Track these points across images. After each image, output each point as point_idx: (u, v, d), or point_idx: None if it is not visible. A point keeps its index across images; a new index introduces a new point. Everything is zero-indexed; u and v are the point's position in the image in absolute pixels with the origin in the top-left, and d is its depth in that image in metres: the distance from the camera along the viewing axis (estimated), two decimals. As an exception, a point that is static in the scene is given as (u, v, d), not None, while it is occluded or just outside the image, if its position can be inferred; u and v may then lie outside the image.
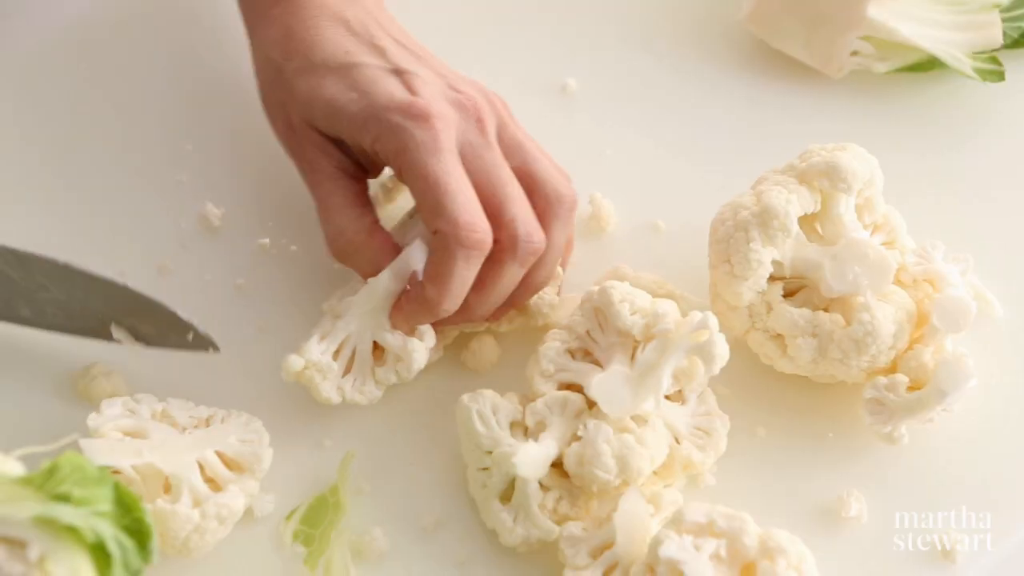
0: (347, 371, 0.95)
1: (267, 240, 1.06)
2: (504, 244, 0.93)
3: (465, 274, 0.91)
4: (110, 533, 0.73)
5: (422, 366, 0.95)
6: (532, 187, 0.95)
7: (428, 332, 0.95)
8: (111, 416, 0.91)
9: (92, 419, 0.91)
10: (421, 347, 0.94)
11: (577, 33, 1.15)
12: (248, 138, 1.10)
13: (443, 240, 0.91)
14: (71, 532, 0.72)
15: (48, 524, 0.72)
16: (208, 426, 0.94)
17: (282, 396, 0.98)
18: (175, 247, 1.06)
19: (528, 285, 0.97)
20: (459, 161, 0.93)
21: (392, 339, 0.94)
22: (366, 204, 0.97)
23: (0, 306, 0.97)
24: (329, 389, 0.94)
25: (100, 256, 1.03)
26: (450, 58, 1.02)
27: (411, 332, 0.95)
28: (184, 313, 0.97)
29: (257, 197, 1.08)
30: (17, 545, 0.71)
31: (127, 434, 0.90)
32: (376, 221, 0.97)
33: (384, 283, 0.94)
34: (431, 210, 0.91)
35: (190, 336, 0.97)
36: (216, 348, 0.98)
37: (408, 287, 0.94)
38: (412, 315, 0.94)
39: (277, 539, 0.93)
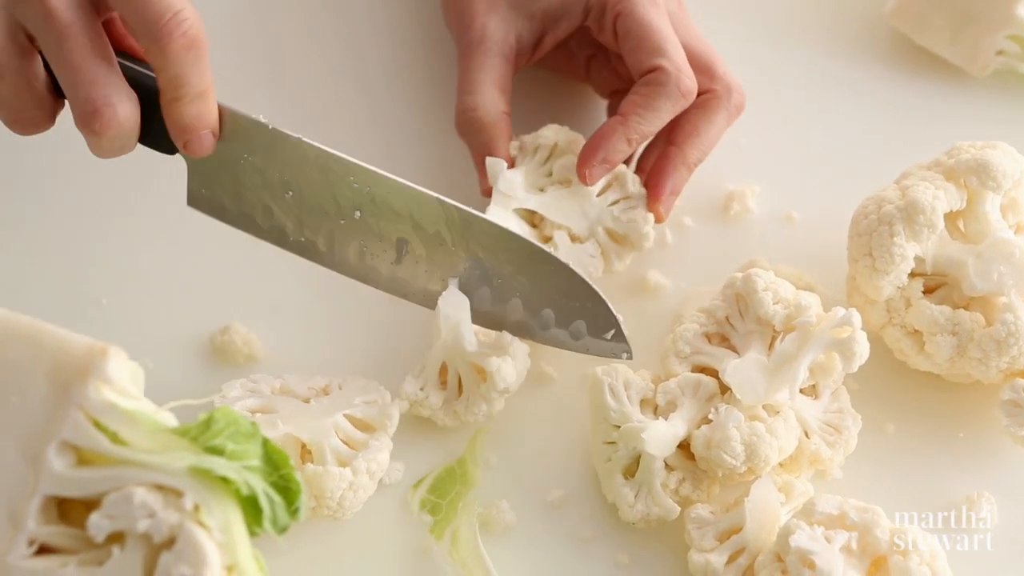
0: (460, 394, 0.96)
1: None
2: (719, 94, 1.00)
3: (665, 114, 0.97)
4: (261, 487, 0.74)
5: (512, 383, 0.94)
6: (710, 73, 1.02)
7: (519, 350, 0.95)
8: (233, 398, 0.92)
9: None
10: (509, 364, 0.94)
11: (716, 23, 1.15)
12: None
13: (662, 76, 0.97)
14: (224, 484, 0.73)
15: (203, 475, 0.73)
16: (328, 394, 0.95)
17: (411, 365, 0.99)
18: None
19: (685, 164, 1.00)
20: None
21: (479, 357, 0.94)
22: (506, 92, 1.01)
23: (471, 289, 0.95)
24: (443, 417, 0.96)
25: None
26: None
27: (599, 174, 0.97)
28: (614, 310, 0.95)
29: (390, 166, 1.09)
30: (172, 494, 0.73)
31: (254, 412, 0.92)
32: (508, 113, 1.01)
33: (449, 314, 0.94)
34: (652, 51, 0.97)
35: (610, 334, 0.95)
36: (630, 356, 0.95)
37: (599, 131, 0.98)
38: (610, 149, 0.97)
39: (404, 507, 0.94)
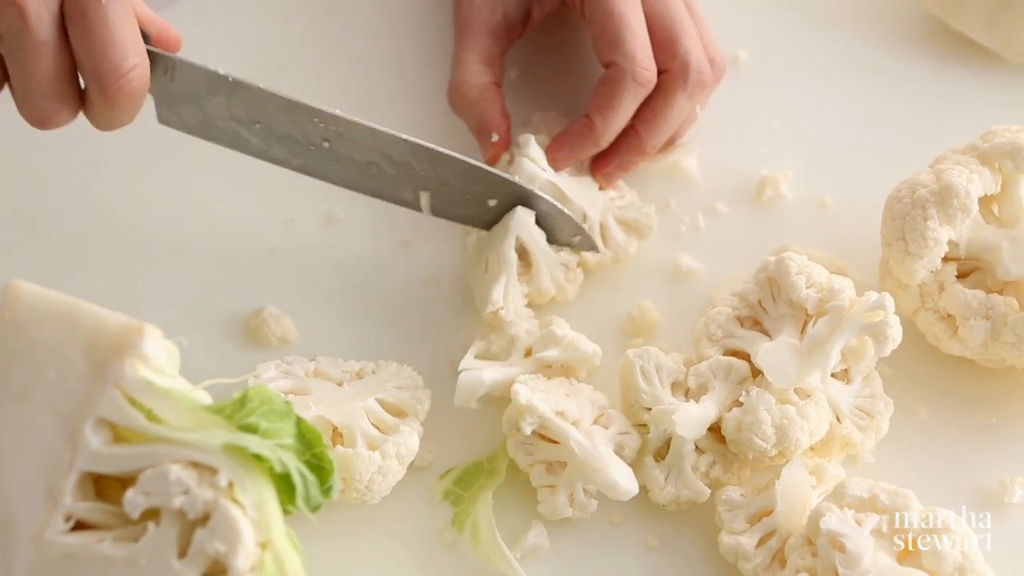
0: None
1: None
2: (675, 75, 0.99)
3: (629, 107, 0.99)
4: (295, 465, 0.75)
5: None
6: (670, 50, 1.01)
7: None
8: (267, 379, 0.93)
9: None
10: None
11: (752, 6, 1.15)
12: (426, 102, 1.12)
13: (617, 73, 0.98)
14: (258, 461, 0.74)
15: (237, 452, 0.74)
16: (361, 378, 0.95)
17: (445, 350, 1.00)
18: (345, 196, 1.08)
19: (638, 148, 1.02)
20: None
21: None
22: (494, 65, 1.04)
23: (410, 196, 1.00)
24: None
25: (270, 201, 1.06)
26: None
27: (564, 165, 1.01)
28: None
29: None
30: (207, 471, 0.74)
31: (287, 393, 0.92)
32: (497, 84, 1.04)
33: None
34: (610, 43, 0.98)
35: (577, 238, 1.00)
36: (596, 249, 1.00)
37: (571, 126, 1.01)
38: (576, 148, 1.01)
39: (429, 495, 0.94)
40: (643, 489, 0.92)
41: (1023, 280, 0.92)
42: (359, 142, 0.95)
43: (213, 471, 0.73)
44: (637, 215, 1.03)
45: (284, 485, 0.75)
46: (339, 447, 0.89)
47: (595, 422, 0.92)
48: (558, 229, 0.99)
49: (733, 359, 0.92)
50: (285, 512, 0.75)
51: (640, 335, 1.00)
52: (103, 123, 0.89)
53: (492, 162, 1.03)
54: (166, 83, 0.91)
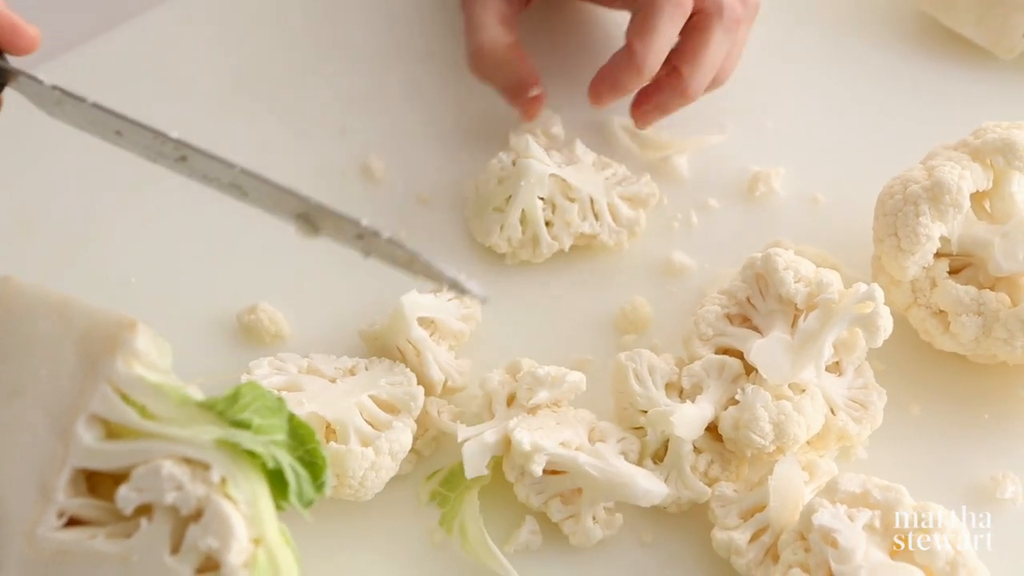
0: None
1: (426, 193, 1.07)
2: (709, 11, 0.98)
3: (669, 31, 0.97)
4: (287, 461, 0.75)
5: None
6: None
7: None
8: (260, 375, 0.93)
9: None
10: None
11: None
12: (414, 94, 1.12)
13: None
14: (251, 458, 0.74)
15: (230, 448, 0.74)
16: (354, 375, 0.95)
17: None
18: (337, 195, 1.07)
19: (683, 93, 1.01)
20: None
21: None
22: (511, 26, 1.02)
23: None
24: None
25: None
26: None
27: (608, 99, 1.00)
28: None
29: (420, 152, 1.10)
30: (200, 467, 0.74)
31: (280, 390, 0.92)
32: (518, 40, 1.02)
33: None
34: None
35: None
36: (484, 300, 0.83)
37: (612, 58, 0.99)
38: (618, 79, 0.99)
39: (416, 498, 0.94)
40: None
41: (1015, 276, 0.92)
42: (211, 166, 0.84)
43: (206, 467, 0.73)
44: (638, 187, 1.03)
45: (277, 481, 0.75)
46: (332, 443, 0.89)
47: (590, 440, 0.92)
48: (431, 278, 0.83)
49: (726, 357, 0.92)
50: (278, 508, 0.75)
51: (633, 331, 1.00)
52: None
53: (532, 117, 1.03)
54: (22, 86, 0.85)
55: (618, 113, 1.08)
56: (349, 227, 0.83)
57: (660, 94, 1.02)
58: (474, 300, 0.84)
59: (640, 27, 0.98)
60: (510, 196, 1.01)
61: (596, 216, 1.02)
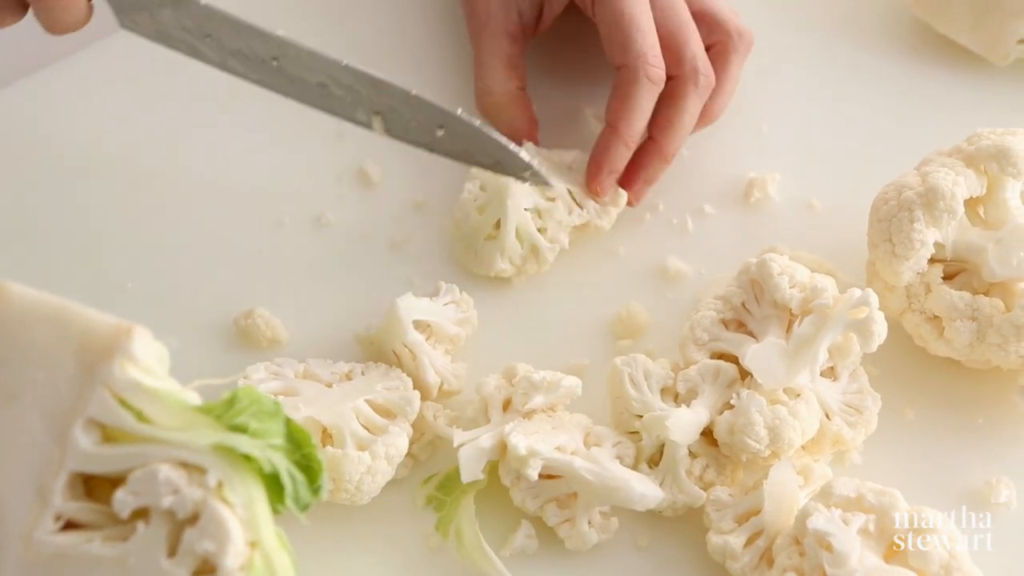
0: None
1: (422, 199, 1.08)
2: (685, 79, 1.01)
3: (646, 106, 1.00)
4: (284, 465, 0.75)
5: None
6: (713, 24, 1.05)
7: None
8: (257, 380, 0.93)
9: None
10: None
11: (739, 8, 1.15)
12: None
13: (630, 74, 1.00)
14: (247, 462, 0.74)
15: (226, 452, 0.74)
16: (351, 379, 0.96)
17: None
18: (334, 199, 1.08)
19: (708, 115, 1.05)
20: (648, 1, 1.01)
21: None
22: (517, 69, 1.06)
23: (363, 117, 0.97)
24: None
25: (259, 203, 1.07)
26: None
27: (609, 184, 1.03)
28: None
29: (417, 158, 1.10)
30: (196, 471, 0.74)
31: (277, 395, 0.92)
32: (522, 88, 1.05)
33: None
34: (621, 45, 1.00)
35: (527, 173, 0.95)
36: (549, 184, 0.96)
37: (596, 144, 1.02)
38: (611, 160, 1.01)
39: (412, 502, 0.94)
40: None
41: (1009, 281, 0.92)
42: (305, 64, 0.94)
43: (202, 471, 0.73)
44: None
45: (273, 485, 0.75)
46: (328, 448, 0.89)
47: (586, 444, 0.92)
48: (507, 164, 0.95)
49: (721, 362, 0.92)
50: (274, 512, 0.75)
51: (628, 336, 1.01)
52: (47, 25, 0.89)
53: None
54: None
55: (589, 103, 1.11)
56: (432, 119, 0.93)
57: (642, 168, 1.04)
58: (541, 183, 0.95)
59: (620, 107, 1.01)
60: (498, 220, 1.01)
61: (580, 205, 1.03)
